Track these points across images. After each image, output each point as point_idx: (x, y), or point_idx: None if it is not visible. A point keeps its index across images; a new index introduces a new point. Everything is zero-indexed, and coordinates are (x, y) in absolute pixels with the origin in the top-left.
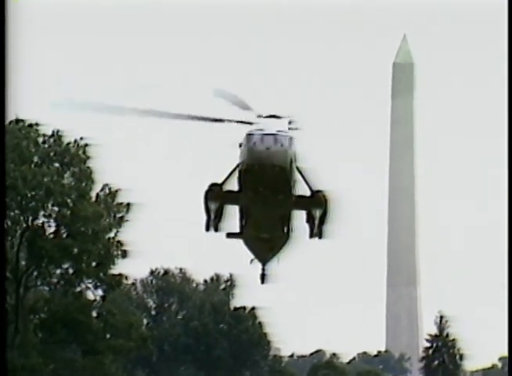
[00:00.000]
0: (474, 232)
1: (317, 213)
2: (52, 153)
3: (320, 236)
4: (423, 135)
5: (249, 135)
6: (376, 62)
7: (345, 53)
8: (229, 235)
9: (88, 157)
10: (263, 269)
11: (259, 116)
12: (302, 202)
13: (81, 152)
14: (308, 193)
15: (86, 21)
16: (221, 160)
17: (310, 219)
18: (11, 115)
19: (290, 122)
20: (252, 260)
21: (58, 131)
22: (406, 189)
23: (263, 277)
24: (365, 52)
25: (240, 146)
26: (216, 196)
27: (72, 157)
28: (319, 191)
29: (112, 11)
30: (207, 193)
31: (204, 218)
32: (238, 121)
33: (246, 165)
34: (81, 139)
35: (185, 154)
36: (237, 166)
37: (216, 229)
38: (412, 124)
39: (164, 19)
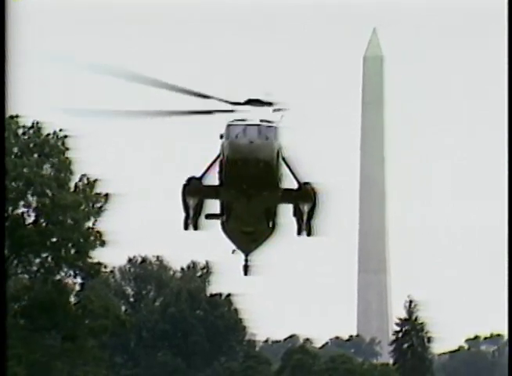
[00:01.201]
0: (442, 220)
1: (305, 207)
2: (31, 145)
3: (309, 233)
4: (394, 126)
5: (230, 126)
6: (347, 56)
7: (316, 47)
8: (208, 216)
9: (67, 148)
10: (246, 260)
11: (236, 103)
12: (289, 196)
13: (60, 143)
14: (295, 185)
15: (86, 21)
16: (200, 150)
17: (297, 213)
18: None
19: (270, 104)
20: (234, 250)
21: (37, 123)
22: (377, 178)
23: (246, 268)
24: (336, 45)
25: (221, 137)
26: (195, 191)
27: (51, 148)
28: (306, 183)
29: (111, 10)
30: (184, 187)
31: (182, 213)
32: (218, 111)
33: (228, 160)
34: (60, 130)
35: (162, 145)
36: (217, 157)
37: (195, 227)
38: (382, 118)
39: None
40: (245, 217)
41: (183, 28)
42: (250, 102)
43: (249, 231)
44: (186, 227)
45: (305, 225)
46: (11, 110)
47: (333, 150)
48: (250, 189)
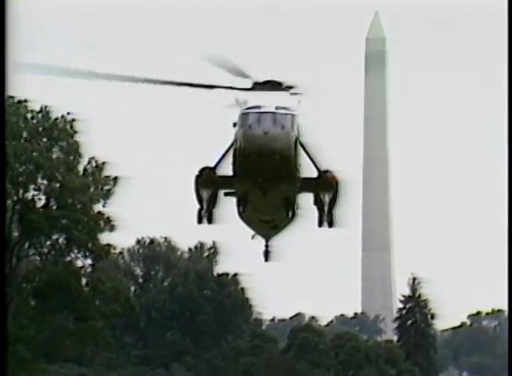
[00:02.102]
0: (445, 200)
1: (326, 197)
2: (40, 129)
3: (330, 224)
4: (396, 108)
5: (244, 114)
6: (349, 37)
7: (320, 29)
8: (227, 194)
9: (76, 132)
10: (266, 246)
11: (256, 83)
12: (309, 184)
13: (68, 127)
14: (315, 173)
15: (86, 20)
16: (212, 132)
17: (318, 202)
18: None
19: (290, 87)
20: (253, 235)
21: (46, 107)
22: (380, 158)
23: (266, 254)
24: (339, 28)
25: (235, 125)
26: (208, 182)
27: (60, 132)
28: (327, 171)
29: (112, 9)
30: (197, 178)
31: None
32: (233, 88)
33: (242, 151)
34: (68, 114)
35: (174, 128)
36: (231, 145)
37: (210, 221)
38: (385, 98)
39: None
40: (262, 208)
41: (183, 27)
42: (268, 83)
43: (268, 219)
44: (200, 220)
45: (327, 216)
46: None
47: (336, 132)
48: (265, 183)
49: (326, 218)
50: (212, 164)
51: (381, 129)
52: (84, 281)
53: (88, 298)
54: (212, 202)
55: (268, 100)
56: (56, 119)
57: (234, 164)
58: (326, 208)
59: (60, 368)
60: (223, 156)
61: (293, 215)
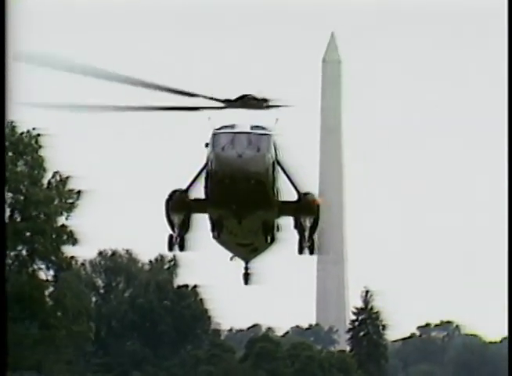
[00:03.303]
0: (395, 214)
1: (306, 221)
2: (6, 143)
3: (311, 251)
4: (352, 128)
5: (216, 135)
6: (306, 59)
7: (275, 50)
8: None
9: (40, 147)
10: (246, 268)
11: (227, 100)
12: (288, 208)
13: (33, 141)
14: (295, 196)
15: (85, 20)
16: (183, 151)
17: (298, 226)
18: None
19: (266, 100)
20: (232, 257)
21: (12, 122)
22: (335, 172)
23: (246, 277)
24: (296, 49)
25: (207, 145)
26: (180, 205)
27: (25, 147)
28: (307, 194)
29: (113, 9)
30: (168, 202)
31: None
32: (206, 108)
33: (214, 175)
34: (34, 129)
35: (139, 143)
36: (204, 167)
37: (182, 248)
38: (340, 120)
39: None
40: (239, 233)
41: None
42: (242, 98)
43: (246, 243)
44: (171, 247)
45: (308, 242)
46: (12, 110)
47: (292, 152)
48: (240, 210)
49: (307, 244)
50: (183, 187)
51: (337, 144)
52: (46, 292)
53: (50, 308)
54: (185, 227)
55: (242, 117)
56: (22, 134)
57: (206, 187)
58: (306, 234)
59: None
60: (195, 178)
61: (273, 239)
